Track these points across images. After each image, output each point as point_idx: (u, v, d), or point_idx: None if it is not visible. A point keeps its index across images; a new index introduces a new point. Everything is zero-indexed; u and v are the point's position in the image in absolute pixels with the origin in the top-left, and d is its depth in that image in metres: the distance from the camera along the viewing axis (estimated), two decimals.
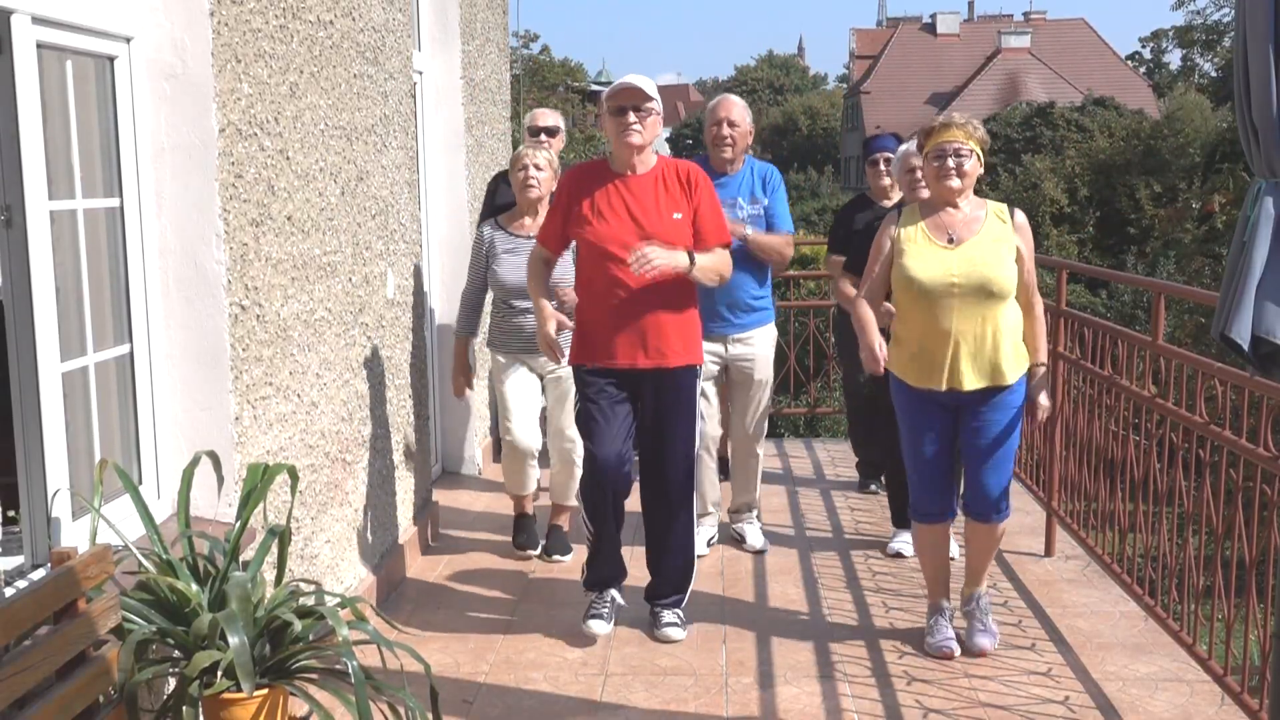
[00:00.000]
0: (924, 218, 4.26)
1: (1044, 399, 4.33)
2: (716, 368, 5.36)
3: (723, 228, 4.55)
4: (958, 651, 4.37)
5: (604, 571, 4.64)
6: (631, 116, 4.35)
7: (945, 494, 4.39)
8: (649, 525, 4.65)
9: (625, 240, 4.35)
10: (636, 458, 4.62)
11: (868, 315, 4.35)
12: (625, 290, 4.36)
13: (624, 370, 4.44)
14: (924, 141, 4.26)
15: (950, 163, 4.15)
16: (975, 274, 4.12)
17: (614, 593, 4.65)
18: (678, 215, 4.42)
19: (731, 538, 5.64)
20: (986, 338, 4.16)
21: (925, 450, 4.32)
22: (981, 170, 4.23)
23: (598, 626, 4.53)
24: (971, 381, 4.18)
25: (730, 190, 5.30)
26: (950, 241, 4.18)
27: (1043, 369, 4.34)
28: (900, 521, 5.46)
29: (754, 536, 5.58)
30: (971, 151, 4.17)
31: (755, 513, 5.67)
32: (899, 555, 5.42)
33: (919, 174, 4.96)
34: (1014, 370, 4.23)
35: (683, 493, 4.57)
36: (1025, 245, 4.24)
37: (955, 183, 4.17)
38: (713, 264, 4.47)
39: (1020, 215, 4.30)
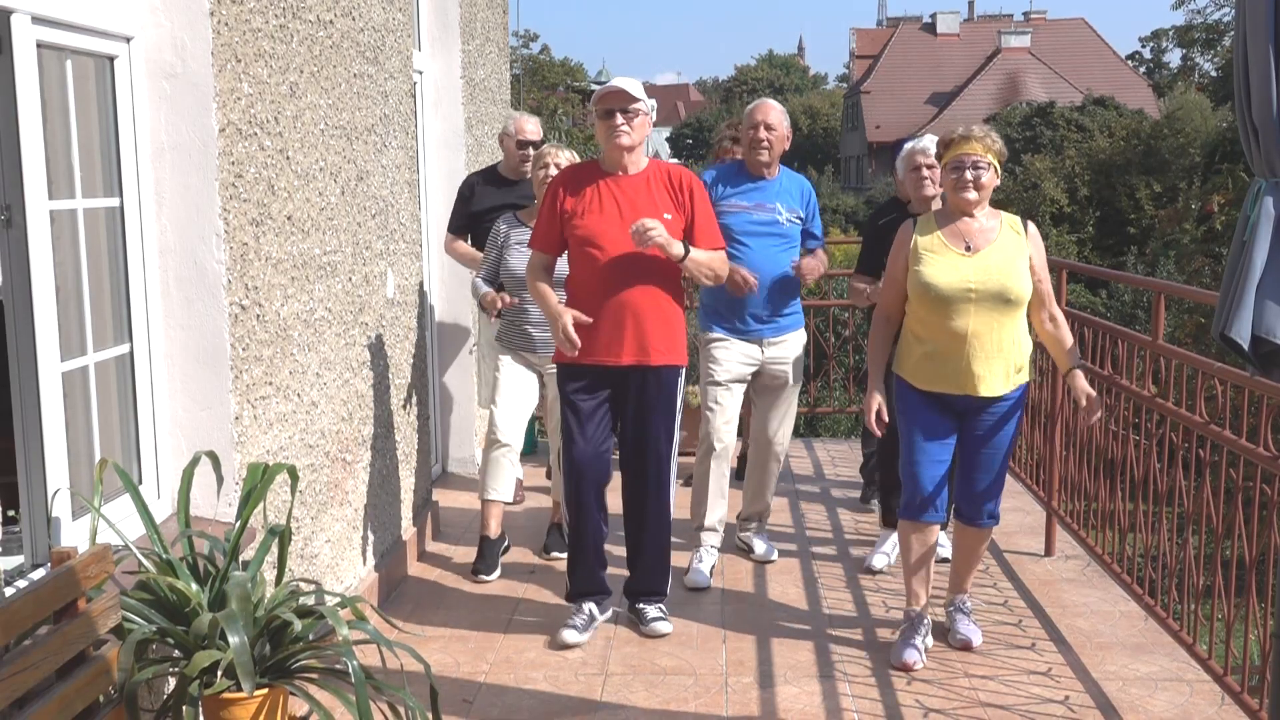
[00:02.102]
0: (940, 227, 4.28)
1: (1093, 391, 4.30)
2: (748, 369, 5.29)
3: (717, 234, 4.61)
4: (919, 665, 4.29)
5: (583, 584, 4.65)
6: (619, 118, 4.40)
7: (939, 494, 4.37)
8: (627, 520, 4.68)
9: (616, 236, 4.38)
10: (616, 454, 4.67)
11: (882, 352, 4.37)
12: (614, 287, 4.39)
13: (607, 367, 4.46)
14: (942, 153, 4.29)
15: (968, 175, 4.18)
16: (992, 281, 4.15)
17: (591, 606, 4.64)
18: (668, 215, 4.45)
19: (737, 547, 5.56)
20: (1000, 344, 4.19)
21: (929, 450, 4.31)
22: (998, 182, 4.25)
23: (569, 636, 4.53)
24: (984, 387, 4.20)
25: (768, 195, 5.24)
26: (968, 249, 4.21)
27: (1081, 370, 4.36)
28: (890, 521, 5.33)
29: (761, 547, 5.47)
30: (990, 164, 4.19)
31: (765, 523, 5.58)
32: (870, 570, 5.29)
33: (924, 172, 4.98)
34: (1020, 377, 4.27)
35: (658, 486, 4.60)
36: (1038, 256, 4.28)
37: (972, 195, 4.20)
38: (707, 260, 4.53)
39: (1033, 227, 4.35)
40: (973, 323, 4.16)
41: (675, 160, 61.08)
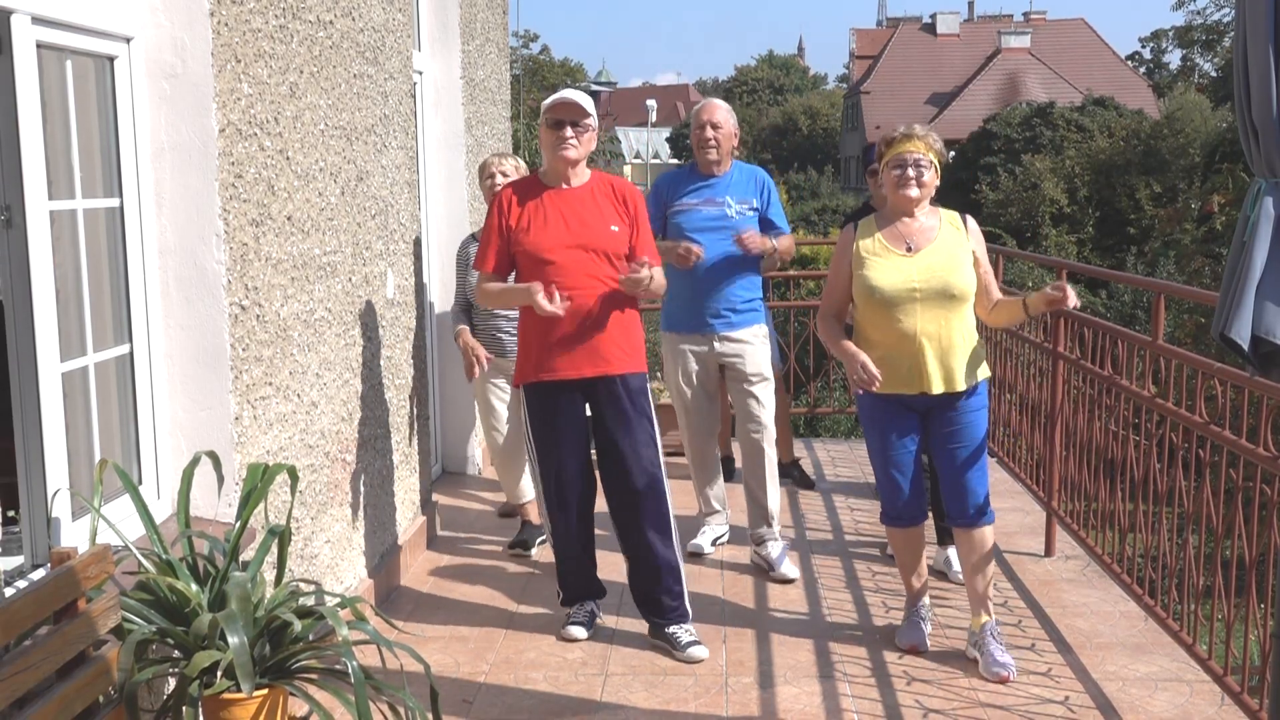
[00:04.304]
0: (880, 229, 4.31)
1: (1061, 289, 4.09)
2: (702, 364, 5.34)
3: (653, 244, 4.60)
4: (924, 646, 4.39)
5: (578, 590, 4.67)
6: (569, 131, 4.37)
7: (917, 498, 4.39)
8: (623, 537, 4.56)
9: (565, 249, 4.35)
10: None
11: (839, 335, 4.31)
12: (566, 300, 4.28)
13: (571, 381, 4.41)
14: (884, 151, 4.30)
15: (910, 172, 4.21)
16: (935, 279, 4.18)
17: (591, 604, 4.67)
18: (615, 228, 4.43)
19: (757, 567, 5.34)
20: (950, 340, 4.20)
21: (896, 455, 4.33)
22: (938, 183, 4.28)
23: (577, 631, 4.57)
24: (938, 384, 4.21)
25: (718, 191, 5.32)
26: (909, 250, 4.24)
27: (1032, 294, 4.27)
28: (946, 539, 5.19)
29: (780, 564, 5.24)
30: (931, 163, 4.23)
31: (777, 530, 5.39)
32: (942, 575, 5.14)
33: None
34: (976, 373, 4.28)
35: (653, 498, 4.47)
36: (980, 249, 4.33)
37: (914, 192, 4.22)
38: (658, 286, 4.41)
39: (972, 221, 4.38)
40: (920, 322, 4.17)
41: (675, 161, 61.06)
